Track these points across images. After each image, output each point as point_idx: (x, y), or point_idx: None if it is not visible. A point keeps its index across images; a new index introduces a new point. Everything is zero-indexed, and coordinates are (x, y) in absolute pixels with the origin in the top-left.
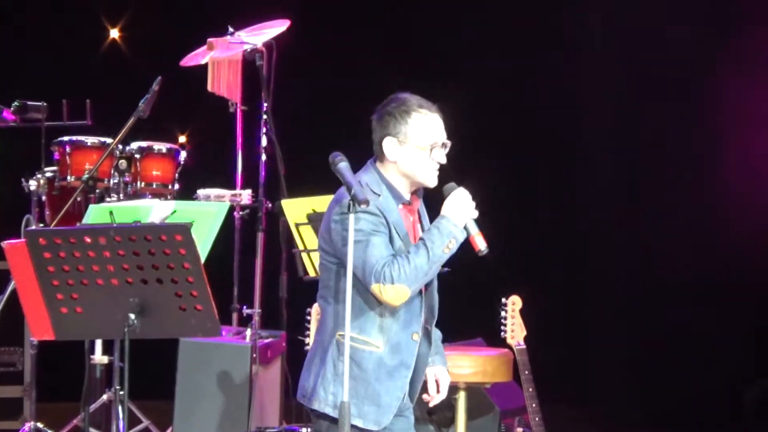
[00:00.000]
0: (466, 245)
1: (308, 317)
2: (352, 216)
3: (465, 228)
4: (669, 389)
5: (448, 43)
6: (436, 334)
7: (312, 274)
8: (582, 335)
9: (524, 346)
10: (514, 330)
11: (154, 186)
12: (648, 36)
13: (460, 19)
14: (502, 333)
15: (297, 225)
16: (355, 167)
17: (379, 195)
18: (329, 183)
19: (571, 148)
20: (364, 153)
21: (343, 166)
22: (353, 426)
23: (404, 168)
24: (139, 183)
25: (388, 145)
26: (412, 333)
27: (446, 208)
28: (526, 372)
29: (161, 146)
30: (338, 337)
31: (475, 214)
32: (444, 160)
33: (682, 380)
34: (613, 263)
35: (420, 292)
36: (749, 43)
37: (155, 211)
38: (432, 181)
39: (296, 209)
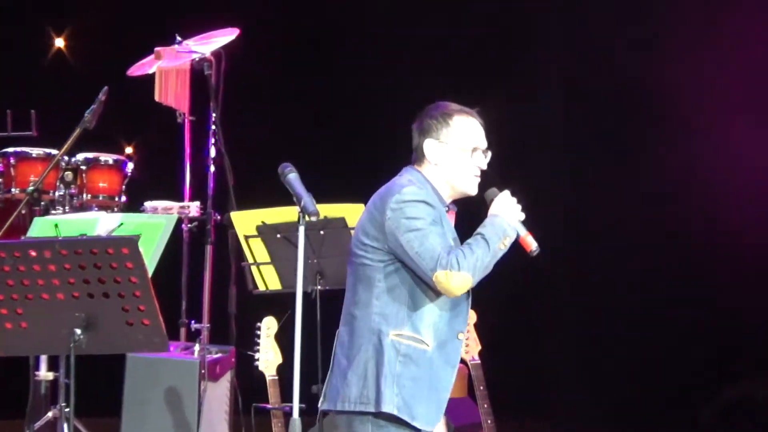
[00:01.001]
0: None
1: (258, 332)
2: (302, 228)
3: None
4: (628, 400)
5: (399, 50)
6: None
7: (262, 287)
8: (538, 348)
9: (479, 361)
10: (469, 344)
11: (101, 198)
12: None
13: (415, 19)
14: None
15: (246, 237)
16: (307, 178)
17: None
18: (279, 194)
19: (521, 156)
20: (315, 163)
21: (292, 177)
22: (412, 427)
23: (445, 171)
24: (85, 195)
25: (429, 147)
26: (457, 332)
27: (494, 208)
28: (481, 387)
29: (108, 157)
30: (393, 336)
31: (522, 216)
32: (484, 166)
33: (642, 391)
34: (566, 274)
35: (468, 292)
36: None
37: (101, 223)
38: (472, 188)
39: (246, 221)
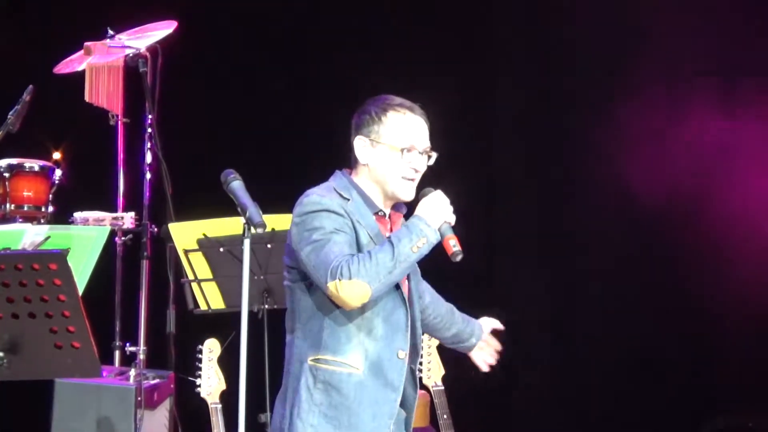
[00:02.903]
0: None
1: (200, 355)
2: (247, 241)
3: (440, 231)
4: (602, 424)
5: (353, 47)
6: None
7: (203, 307)
8: (505, 372)
9: (442, 387)
10: (431, 369)
11: (26, 208)
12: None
13: (364, 16)
14: (418, 373)
15: (186, 252)
16: (253, 186)
17: (348, 199)
18: (222, 204)
19: (486, 165)
20: (262, 170)
21: (236, 185)
22: None
23: (375, 172)
24: (8, 205)
25: (359, 145)
26: (396, 350)
27: (420, 208)
28: (445, 416)
29: (33, 164)
30: (311, 362)
31: (453, 218)
32: (420, 167)
33: (619, 414)
34: (533, 293)
35: (405, 305)
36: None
37: (27, 236)
38: (403, 192)
39: (185, 234)
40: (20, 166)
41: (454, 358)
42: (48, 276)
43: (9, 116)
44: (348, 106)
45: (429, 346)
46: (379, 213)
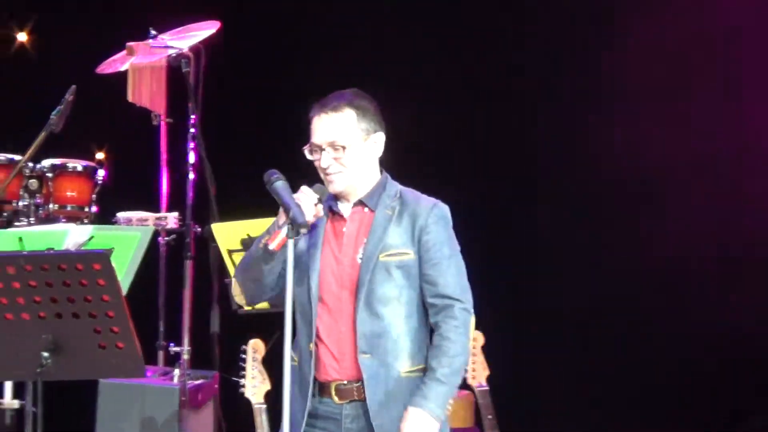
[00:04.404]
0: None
1: (243, 355)
2: (291, 241)
3: (278, 225)
4: (638, 422)
5: (396, 44)
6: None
7: (247, 307)
8: (552, 374)
9: (487, 387)
10: (476, 369)
11: (69, 208)
12: None
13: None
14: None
15: (230, 252)
16: (296, 186)
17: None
18: (266, 204)
19: (527, 169)
20: (304, 170)
21: (280, 185)
22: None
23: None
24: (51, 205)
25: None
26: (308, 343)
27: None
28: (489, 416)
29: (76, 164)
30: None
31: (301, 216)
32: (322, 164)
33: (665, 418)
34: (584, 295)
35: (309, 299)
36: None
37: (70, 236)
38: (329, 186)
39: (229, 234)
40: (63, 166)
41: (500, 359)
42: (92, 276)
43: (52, 116)
44: (390, 105)
45: (474, 346)
46: (333, 211)
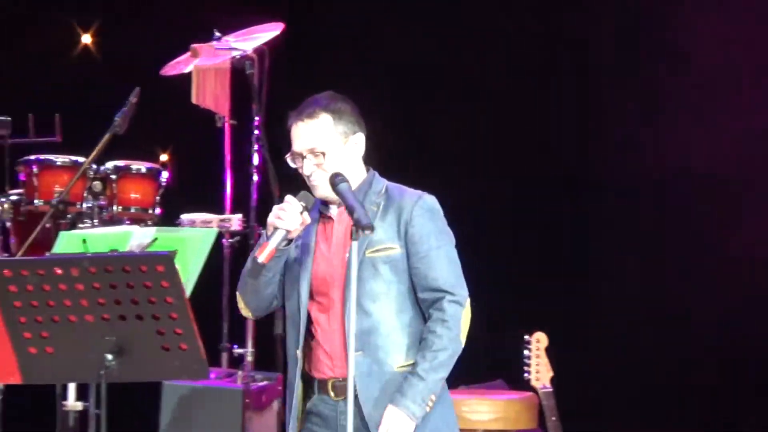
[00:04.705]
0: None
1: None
2: (355, 243)
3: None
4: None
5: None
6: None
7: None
8: (616, 376)
9: (551, 389)
10: (539, 371)
11: (133, 210)
12: None
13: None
14: (526, 374)
15: None
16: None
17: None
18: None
19: (586, 167)
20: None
21: (344, 187)
22: None
23: None
24: (115, 207)
25: None
26: (295, 349)
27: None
28: (553, 418)
29: (140, 166)
30: None
31: (289, 225)
32: (304, 171)
33: (738, 422)
34: (649, 296)
35: (298, 306)
36: None
37: (134, 238)
38: (314, 191)
39: None
40: (127, 168)
41: (564, 361)
42: (155, 278)
43: (116, 118)
44: (449, 104)
45: (538, 348)
46: (323, 214)
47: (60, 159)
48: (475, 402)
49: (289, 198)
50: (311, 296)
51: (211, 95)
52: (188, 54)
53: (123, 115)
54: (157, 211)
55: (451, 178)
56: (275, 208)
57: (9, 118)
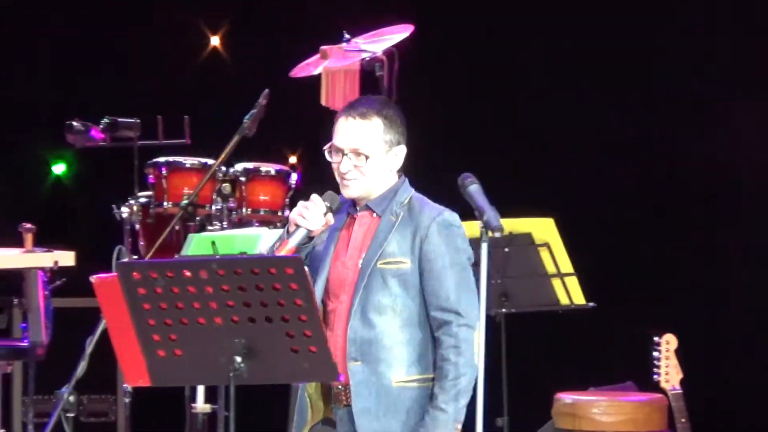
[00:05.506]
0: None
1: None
2: (485, 245)
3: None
4: None
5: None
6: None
7: None
8: (745, 377)
9: (680, 391)
10: (669, 373)
11: (262, 212)
12: None
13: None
14: (656, 376)
15: None
16: (490, 190)
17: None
18: (459, 208)
19: (714, 168)
20: (499, 173)
21: (473, 188)
22: None
23: None
24: (244, 209)
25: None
26: None
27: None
28: (683, 420)
29: (269, 168)
30: None
31: (311, 225)
32: (341, 168)
33: None
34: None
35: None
36: None
37: (263, 240)
38: (343, 190)
39: None
40: (256, 170)
41: (694, 362)
42: (284, 280)
43: (245, 120)
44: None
45: (668, 349)
46: (350, 211)
47: (189, 161)
48: (605, 404)
49: (314, 197)
50: (327, 295)
51: (341, 97)
52: (318, 56)
53: (252, 117)
54: (286, 213)
55: (578, 175)
56: (300, 204)
57: (138, 120)
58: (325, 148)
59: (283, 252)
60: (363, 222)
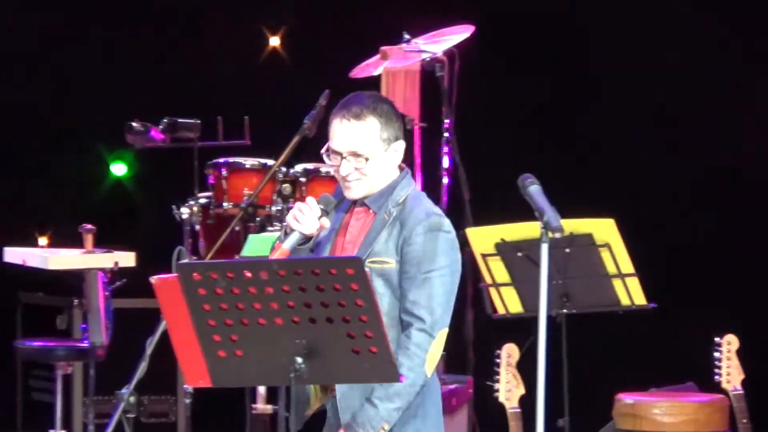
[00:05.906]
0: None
1: (497, 360)
2: (545, 246)
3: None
4: None
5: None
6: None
7: (501, 311)
8: None
9: (742, 392)
10: (731, 373)
11: None
12: None
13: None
14: (717, 377)
15: (484, 256)
16: (550, 190)
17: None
18: (519, 209)
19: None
20: (560, 173)
21: (534, 189)
22: None
23: None
24: None
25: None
26: None
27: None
28: (744, 420)
29: (329, 168)
30: None
31: (305, 229)
32: (342, 172)
33: None
34: None
35: None
36: None
37: None
38: (346, 192)
39: (483, 239)
40: (316, 171)
41: (756, 363)
42: (345, 281)
43: (305, 121)
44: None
45: (729, 350)
46: (354, 205)
47: (249, 162)
48: (666, 404)
49: (309, 200)
50: None
51: (401, 98)
52: (378, 56)
53: (312, 117)
54: None
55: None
56: (295, 207)
57: (198, 121)
58: (322, 151)
59: (277, 255)
60: (359, 218)
